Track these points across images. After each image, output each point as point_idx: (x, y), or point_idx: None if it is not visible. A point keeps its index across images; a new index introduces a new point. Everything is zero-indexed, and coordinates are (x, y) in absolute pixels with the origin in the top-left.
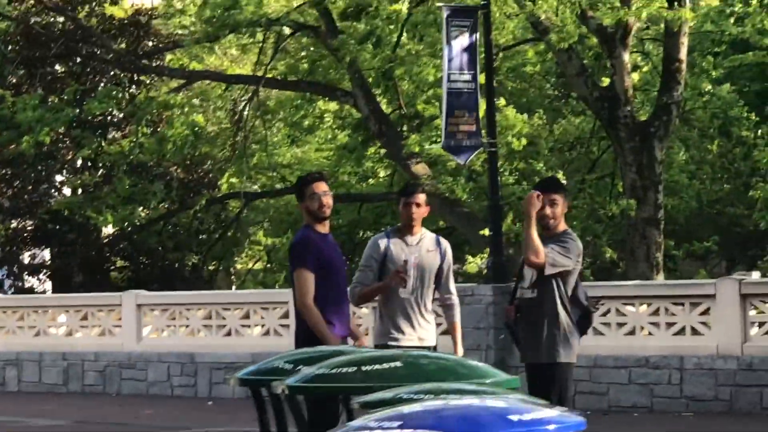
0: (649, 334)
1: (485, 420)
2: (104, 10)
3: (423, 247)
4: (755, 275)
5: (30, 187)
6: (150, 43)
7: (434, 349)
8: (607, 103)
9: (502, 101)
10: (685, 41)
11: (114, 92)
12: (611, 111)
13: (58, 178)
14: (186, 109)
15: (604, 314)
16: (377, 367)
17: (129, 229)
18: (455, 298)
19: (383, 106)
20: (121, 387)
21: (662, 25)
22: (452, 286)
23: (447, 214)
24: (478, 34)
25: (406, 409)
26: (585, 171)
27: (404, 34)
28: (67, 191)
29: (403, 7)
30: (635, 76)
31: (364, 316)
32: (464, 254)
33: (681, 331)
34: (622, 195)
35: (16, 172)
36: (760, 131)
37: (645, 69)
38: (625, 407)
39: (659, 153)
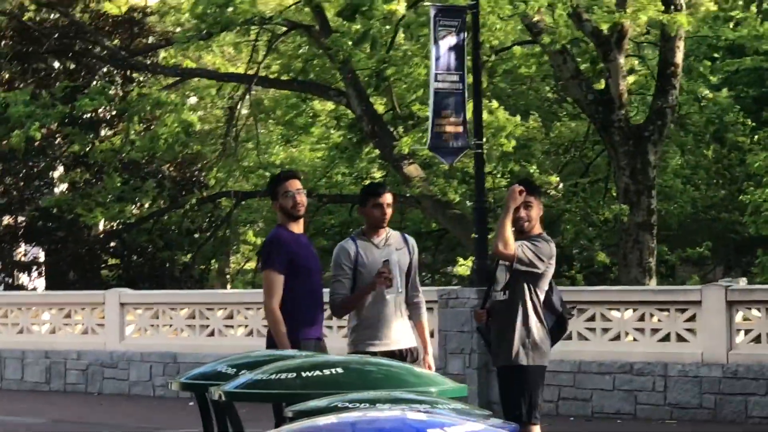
0: (634, 340)
1: None
2: (98, 7)
3: (392, 247)
4: (742, 282)
5: (22, 184)
6: (144, 41)
7: (414, 351)
8: (602, 107)
9: (494, 103)
10: (681, 45)
11: (106, 89)
12: (606, 114)
13: (56, 174)
14: (178, 107)
15: (589, 319)
16: (318, 373)
17: (120, 227)
18: (422, 296)
19: (377, 107)
20: (103, 386)
21: (658, 29)
22: (418, 284)
23: (439, 216)
24: (466, 34)
25: (320, 421)
26: (579, 175)
27: (399, 34)
28: (59, 188)
29: (400, 7)
30: (630, 79)
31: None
32: (456, 257)
33: (666, 338)
34: (615, 199)
35: (7, 168)
36: (756, 137)
37: (641, 73)
38: (609, 414)
39: (653, 157)
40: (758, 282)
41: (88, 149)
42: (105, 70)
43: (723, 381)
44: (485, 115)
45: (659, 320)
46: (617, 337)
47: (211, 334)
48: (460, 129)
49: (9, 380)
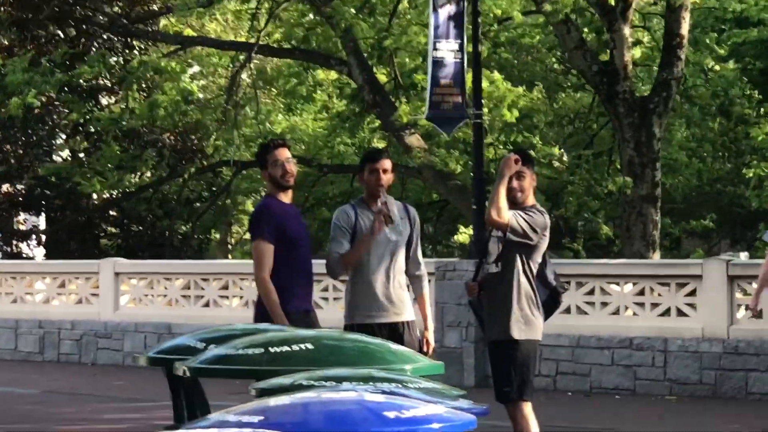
0: (634, 314)
1: (356, 417)
2: None
3: (392, 216)
4: (743, 256)
5: (21, 152)
6: (145, 8)
7: (412, 325)
8: (606, 78)
9: (496, 74)
10: (686, 17)
11: (106, 57)
12: (610, 86)
13: (57, 143)
14: (178, 75)
15: (588, 293)
16: (286, 349)
17: (119, 196)
18: (424, 270)
19: (379, 76)
20: (97, 356)
21: (664, 0)
22: (420, 257)
23: (440, 187)
24: (465, 2)
25: (272, 401)
26: (583, 146)
27: (402, 2)
28: (58, 157)
29: None
30: (636, 51)
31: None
32: (457, 228)
33: (666, 313)
34: (619, 172)
35: (6, 136)
36: (762, 109)
37: (646, 43)
38: (608, 389)
39: (658, 130)
40: (760, 256)
41: (87, 118)
42: (105, 37)
43: (723, 357)
44: (486, 86)
45: (659, 294)
46: (617, 312)
47: (207, 304)
48: (459, 99)
49: (2, 350)
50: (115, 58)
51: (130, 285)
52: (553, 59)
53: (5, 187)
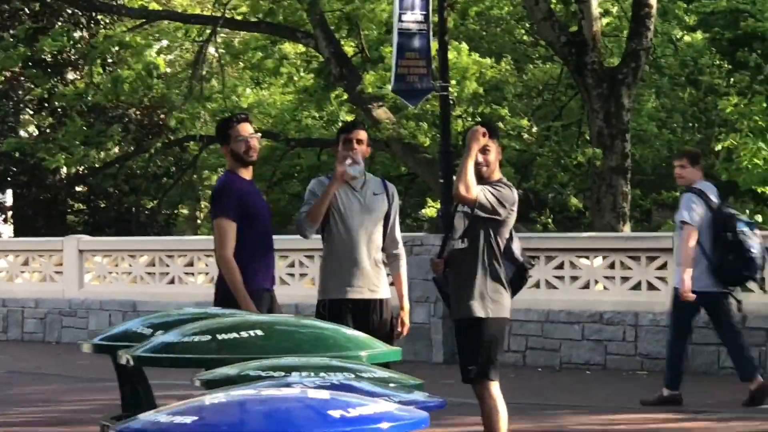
0: (604, 288)
1: (298, 417)
2: None
3: (368, 190)
4: None
5: None
6: None
7: (387, 303)
8: (575, 49)
9: (464, 46)
10: None
11: (70, 31)
12: (579, 57)
13: (26, 118)
14: (144, 48)
15: (558, 267)
16: (235, 336)
17: (85, 172)
18: (402, 248)
19: (347, 49)
20: (62, 335)
21: None
22: (398, 235)
23: (409, 160)
24: None
25: (208, 399)
26: (551, 118)
27: None
28: (25, 132)
29: None
30: (604, 21)
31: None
32: (425, 201)
33: (637, 286)
34: (588, 143)
35: None
36: (732, 79)
37: (614, 14)
38: (578, 364)
39: (627, 101)
40: None
41: (52, 93)
42: (70, 12)
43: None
44: (453, 57)
45: (630, 268)
46: (586, 286)
47: (172, 281)
48: (425, 71)
49: None
50: (79, 33)
51: (94, 262)
52: (522, 31)
53: None
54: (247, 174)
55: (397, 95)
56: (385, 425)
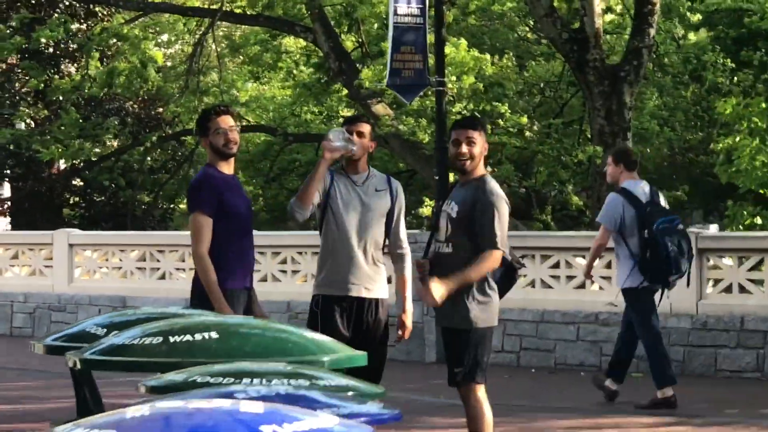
0: (600, 288)
1: None
2: None
3: (370, 186)
4: (713, 228)
5: None
6: None
7: (381, 302)
8: (577, 46)
9: (463, 41)
10: None
11: (66, 22)
12: (580, 54)
13: (21, 110)
14: (138, 41)
15: (553, 266)
16: (188, 338)
17: (81, 165)
18: (407, 248)
19: (346, 44)
20: (51, 330)
21: None
22: (403, 234)
23: (408, 157)
24: None
25: (129, 412)
26: (553, 115)
27: None
28: (22, 124)
29: None
30: (607, 18)
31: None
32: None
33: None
34: (589, 141)
35: None
36: (735, 78)
37: (617, 11)
38: (573, 365)
39: (629, 98)
40: (730, 228)
41: (48, 85)
42: (67, 3)
43: (692, 332)
44: (451, 52)
45: None
46: (582, 286)
47: (162, 277)
48: (421, 65)
49: None
50: (77, 25)
51: (84, 257)
52: (526, 28)
53: None
54: (227, 168)
55: (392, 90)
56: None
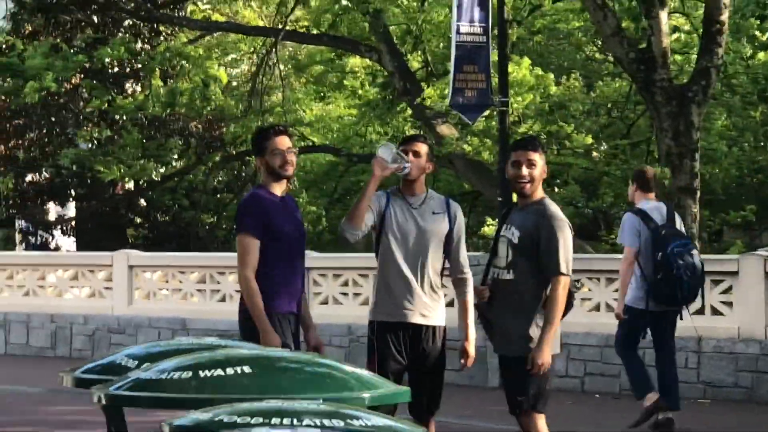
0: None
1: None
2: None
3: (427, 209)
4: None
5: (46, 140)
6: None
7: (439, 330)
8: (644, 66)
9: (526, 60)
10: (727, 2)
11: (129, 42)
12: (647, 74)
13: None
14: (200, 60)
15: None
16: (219, 373)
17: (144, 185)
18: (468, 272)
19: (412, 63)
20: (111, 352)
21: None
22: (464, 258)
23: (472, 177)
24: None
25: None
26: (619, 136)
27: None
28: (85, 144)
29: None
30: (674, 37)
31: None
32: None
33: (700, 311)
34: (657, 162)
35: (28, 123)
36: None
37: (686, 29)
38: None
39: (697, 119)
40: None
41: (110, 105)
42: (131, 23)
43: (761, 358)
44: (513, 71)
45: None
46: None
47: (222, 299)
48: (484, 85)
49: (13, 344)
50: (140, 45)
51: (144, 278)
52: (594, 48)
53: (30, 176)
54: (279, 189)
55: (454, 110)
56: None
